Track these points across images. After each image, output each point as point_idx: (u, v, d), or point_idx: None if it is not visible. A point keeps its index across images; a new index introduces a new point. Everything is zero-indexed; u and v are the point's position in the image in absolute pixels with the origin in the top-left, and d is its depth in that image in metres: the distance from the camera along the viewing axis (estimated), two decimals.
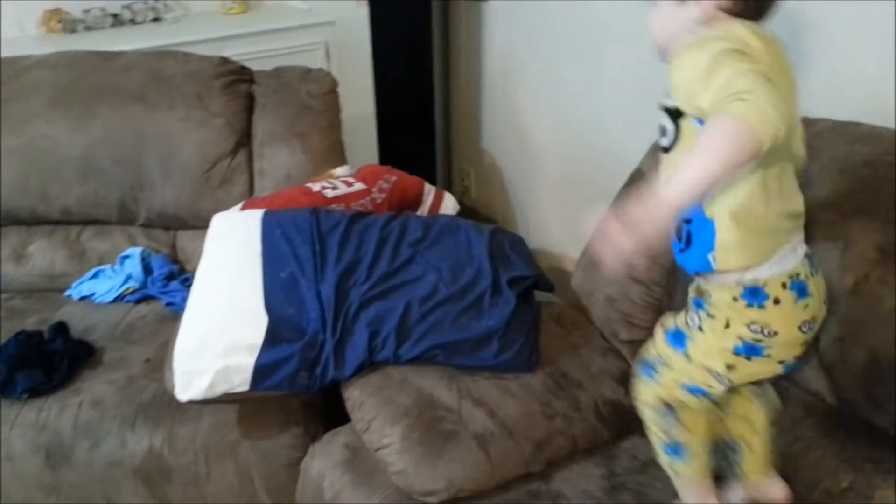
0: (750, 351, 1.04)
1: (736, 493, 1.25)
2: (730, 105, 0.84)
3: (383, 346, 1.48)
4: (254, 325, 1.48)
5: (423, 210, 1.98)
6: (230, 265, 1.63)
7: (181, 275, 1.96)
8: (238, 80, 2.08)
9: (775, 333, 1.03)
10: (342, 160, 2.08)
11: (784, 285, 1.02)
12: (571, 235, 2.28)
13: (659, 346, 1.15)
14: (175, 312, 1.79)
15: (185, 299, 1.60)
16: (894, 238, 1.15)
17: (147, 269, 1.96)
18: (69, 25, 2.44)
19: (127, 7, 2.52)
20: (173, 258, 2.04)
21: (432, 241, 1.68)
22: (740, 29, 0.96)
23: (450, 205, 2.02)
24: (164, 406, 1.56)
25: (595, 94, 2.19)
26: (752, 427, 1.21)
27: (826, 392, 1.24)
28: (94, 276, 1.96)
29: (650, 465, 1.27)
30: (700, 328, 1.08)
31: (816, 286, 1.06)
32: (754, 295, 1.02)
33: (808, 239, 1.23)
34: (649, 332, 1.20)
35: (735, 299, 1.02)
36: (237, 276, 1.60)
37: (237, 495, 1.59)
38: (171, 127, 1.98)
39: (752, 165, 0.89)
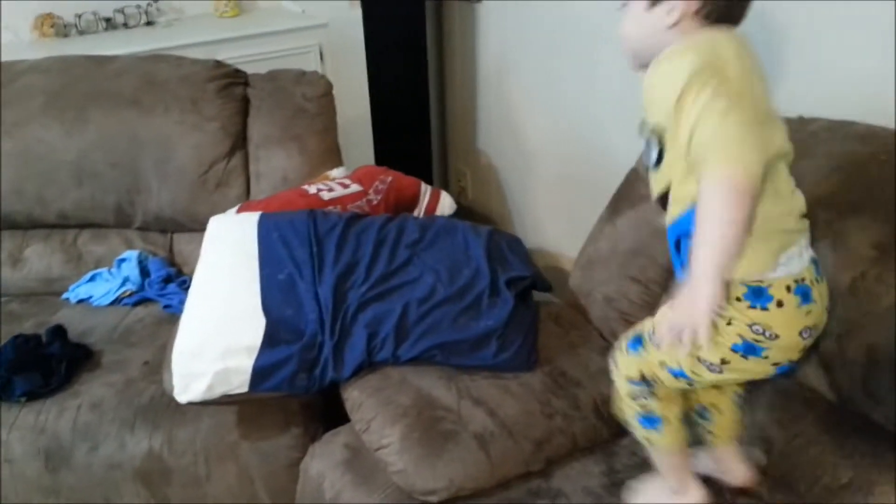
0: (749, 350, 1.03)
1: (705, 462, 1.26)
2: (712, 164, 0.87)
3: (382, 347, 1.48)
4: (252, 327, 1.48)
5: (420, 210, 1.98)
6: (227, 267, 1.63)
7: (178, 277, 1.97)
8: (232, 84, 2.08)
9: (776, 336, 1.02)
10: (338, 162, 2.09)
11: (789, 288, 1.01)
12: (568, 235, 2.29)
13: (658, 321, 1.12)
14: (173, 315, 1.79)
15: (182, 302, 1.61)
16: (891, 236, 1.16)
17: (144, 272, 1.96)
18: (62, 30, 2.44)
19: (120, 11, 2.52)
20: (170, 261, 2.04)
21: (429, 242, 1.69)
22: (711, 38, 0.96)
23: (446, 203, 2.02)
24: (164, 408, 1.56)
25: (590, 94, 2.20)
26: (722, 391, 1.22)
27: (825, 389, 1.25)
28: (91, 279, 1.96)
29: (649, 462, 1.28)
30: None
31: (820, 293, 1.05)
32: (758, 296, 1.01)
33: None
34: None
35: (738, 299, 1.01)
36: (234, 278, 1.60)
37: (237, 496, 1.59)
38: (165, 130, 1.98)
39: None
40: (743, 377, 1.12)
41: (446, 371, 1.46)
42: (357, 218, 1.75)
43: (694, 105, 0.89)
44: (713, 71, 0.90)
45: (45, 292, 1.97)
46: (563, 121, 2.35)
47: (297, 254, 1.62)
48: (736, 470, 1.24)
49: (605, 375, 1.48)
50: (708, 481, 1.24)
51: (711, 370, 1.07)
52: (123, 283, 1.92)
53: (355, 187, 1.90)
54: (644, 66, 1.03)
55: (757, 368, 1.07)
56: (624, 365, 1.16)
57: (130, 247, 2.03)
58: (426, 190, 2.01)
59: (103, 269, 1.98)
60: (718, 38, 0.97)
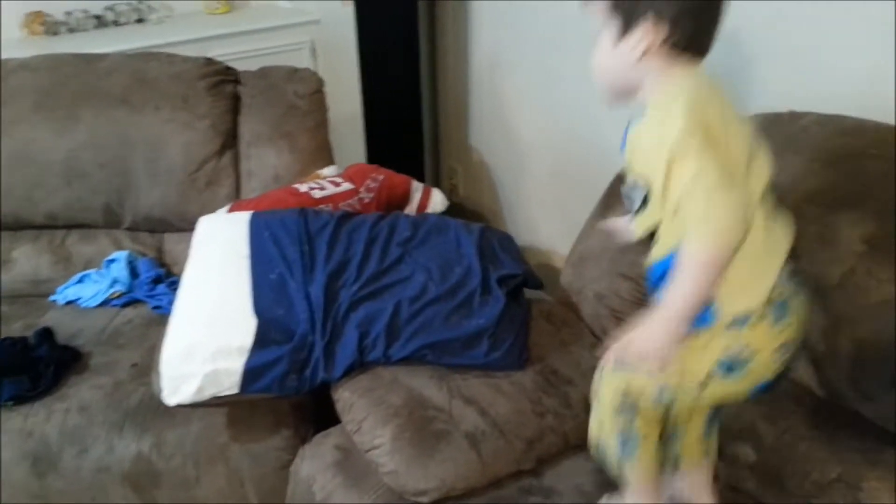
0: (727, 370, 1.04)
1: (672, 485, 1.25)
2: (695, 238, 0.91)
3: (373, 347, 1.47)
4: (242, 328, 1.47)
5: (412, 207, 1.98)
6: (218, 268, 1.62)
7: (168, 278, 1.95)
8: (223, 81, 2.07)
9: (754, 355, 1.02)
10: (330, 160, 2.08)
11: (763, 308, 1.01)
12: (560, 232, 2.28)
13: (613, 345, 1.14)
14: (162, 316, 1.77)
15: (172, 303, 1.59)
16: (882, 230, 1.15)
17: (133, 273, 1.94)
18: (51, 28, 2.42)
19: (110, 8, 2.50)
20: (160, 261, 2.02)
21: (421, 240, 1.68)
22: (693, 89, 0.96)
23: (438, 200, 2.02)
24: (153, 410, 1.54)
25: (582, 91, 2.19)
26: (695, 411, 1.21)
27: (814, 384, 1.25)
28: (80, 280, 1.95)
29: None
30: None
31: (798, 305, 1.05)
32: (740, 321, 1.01)
33: (794, 232, 1.24)
34: None
35: (721, 324, 1.02)
36: (225, 278, 1.59)
37: (227, 499, 1.58)
38: (155, 129, 1.96)
39: None
40: (723, 399, 1.12)
41: (438, 370, 1.46)
42: (348, 216, 1.75)
43: (682, 175, 0.90)
44: (702, 134, 0.90)
45: (32, 294, 1.95)
46: (555, 118, 2.35)
47: (289, 253, 1.61)
48: (703, 498, 1.24)
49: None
50: None
51: (693, 392, 1.07)
52: (112, 285, 1.91)
53: (347, 185, 1.89)
54: (620, 100, 1.04)
55: (736, 388, 1.08)
56: (609, 383, 1.16)
57: (119, 247, 2.01)
58: (417, 187, 2.01)
59: (92, 271, 1.96)
60: (700, 89, 0.96)
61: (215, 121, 2.00)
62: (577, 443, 1.39)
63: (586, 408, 1.40)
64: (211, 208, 1.90)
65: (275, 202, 1.82)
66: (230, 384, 1.43)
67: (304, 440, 1.56)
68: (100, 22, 2.49)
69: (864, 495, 1.10)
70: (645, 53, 0.97)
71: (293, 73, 2.14)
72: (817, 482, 1.16)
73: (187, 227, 1.87)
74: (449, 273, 1.59)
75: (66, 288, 1.93)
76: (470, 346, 1.46)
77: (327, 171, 2.00)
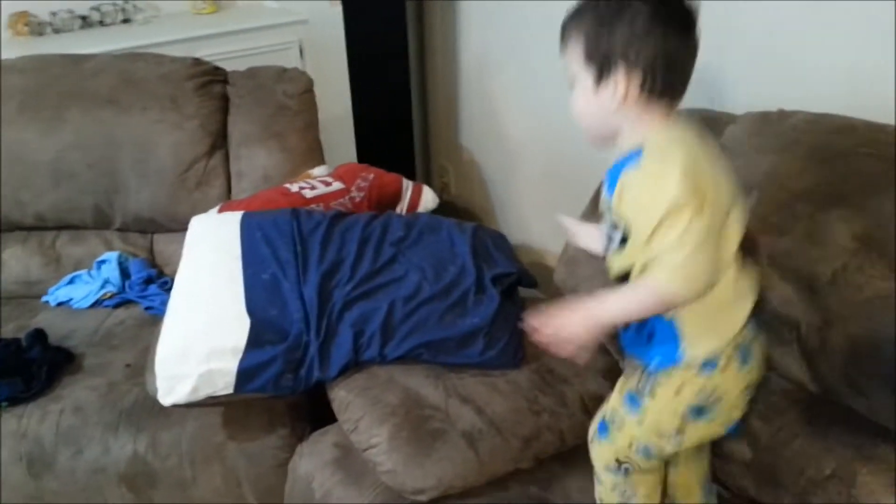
0: (698, 414, 1.07)
1: None
2: (664, 277, 0.93)
3: (368, 346, 1.47)
4: (236, 328, 1.47)
5: (403, 205, 1.98)
6: (210, 268, 1.62)
7: (160, 278, 1.94)
8: (212, 81, 2.06)
9: (721, 398, 1.06)
10: (320, 160, 2.07)
11: (731, 351, 1.05)
12: (552, 230, 2.29)
13: (614, 404, 1.17)
14: (154, 317, 1.77)
15: (164, 303, 1.59)
16: (872, 228, 1.17)
17: (125, 273, 1.93)
18: (37, 28, 2.40)
19: (96, 9, 2.48)
20: (151, 262, 2.02)
21: (414, 239, 1.68)
22: (685, 142, 0.97)
23: (429, 198, 2.02)
24: (147, 411, 1.54)
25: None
26: (691, 474, 1.26)
27: (807, 380, 1.26)
28: (71, 281, 1.94)
29: None
30: (652, 394, 1.09)
31: (756, 353, 1.09)
32: (708, 365, 1.05)
33: (786, 231, 1.26)
34: None
35: (688, 367, 1.05)
36: (217, 278, 1.58)
37: (224, 498, 1.58)
38: (144, 130, 1.95)
39: None
40: (701, 441, 1.17)
41: (433, 369, 1.46)
42: (341, 216, 1.75)
43: (669, 234, 0.92)
44: (697, 202, 0.91)
45: (23, 295, 1.94)
46: (545, 116, 2.35)
47: (281, 253, 1.61)
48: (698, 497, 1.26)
49: (591, 372, 1.49)
50: None
51: (671, 442, 1.11)
52: (104, 285, 1.90)
53: (337, 185, 1.89)
54: (603, 143, 1.05)
55: (710, 430, 1.12)
56: (598, 455, 1.20)
57: (110, 248, 2.00)
58: (408, 186, 2.01)
59: (83, 271, 1.95)
60: (692, 148, 0.97)
61: (204, 121, 1.99)
62: (574, 441, 1.40)
63: (582, 406, 1.42)
64: (202, 209, 1.90)
65: (266, 202, 1.82)
66: (225, 384, 1.43)
67: (300, 439, 1.56)
68: (85, 22, 2.47)
69: (858, 490, 1.11)
70: (623, 100, 0.98)
71: (282, 73, 2.14)
72: (812, 479, 1.17)
73: (178, 227, 1.87)
74: (443, 272, 1.59)
75: (57, 289, 1.92)
76: (465, 345, 1.47)
77: (318, 170, 2.00)
